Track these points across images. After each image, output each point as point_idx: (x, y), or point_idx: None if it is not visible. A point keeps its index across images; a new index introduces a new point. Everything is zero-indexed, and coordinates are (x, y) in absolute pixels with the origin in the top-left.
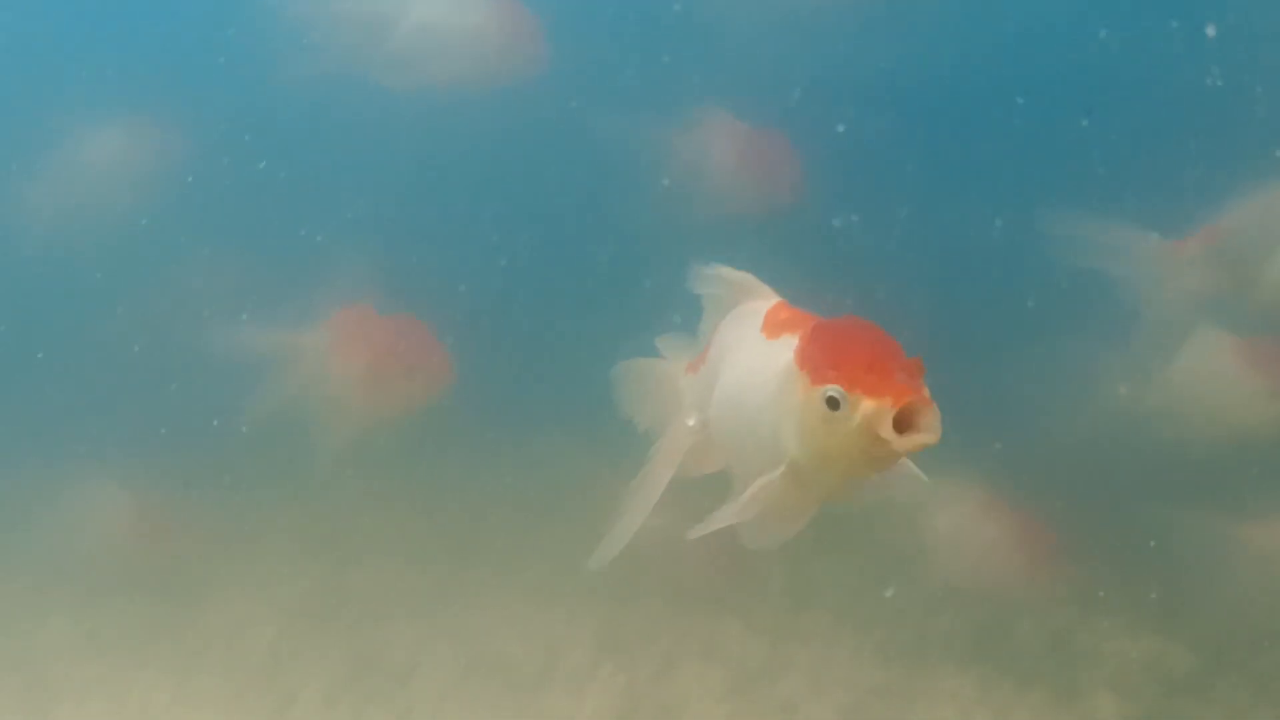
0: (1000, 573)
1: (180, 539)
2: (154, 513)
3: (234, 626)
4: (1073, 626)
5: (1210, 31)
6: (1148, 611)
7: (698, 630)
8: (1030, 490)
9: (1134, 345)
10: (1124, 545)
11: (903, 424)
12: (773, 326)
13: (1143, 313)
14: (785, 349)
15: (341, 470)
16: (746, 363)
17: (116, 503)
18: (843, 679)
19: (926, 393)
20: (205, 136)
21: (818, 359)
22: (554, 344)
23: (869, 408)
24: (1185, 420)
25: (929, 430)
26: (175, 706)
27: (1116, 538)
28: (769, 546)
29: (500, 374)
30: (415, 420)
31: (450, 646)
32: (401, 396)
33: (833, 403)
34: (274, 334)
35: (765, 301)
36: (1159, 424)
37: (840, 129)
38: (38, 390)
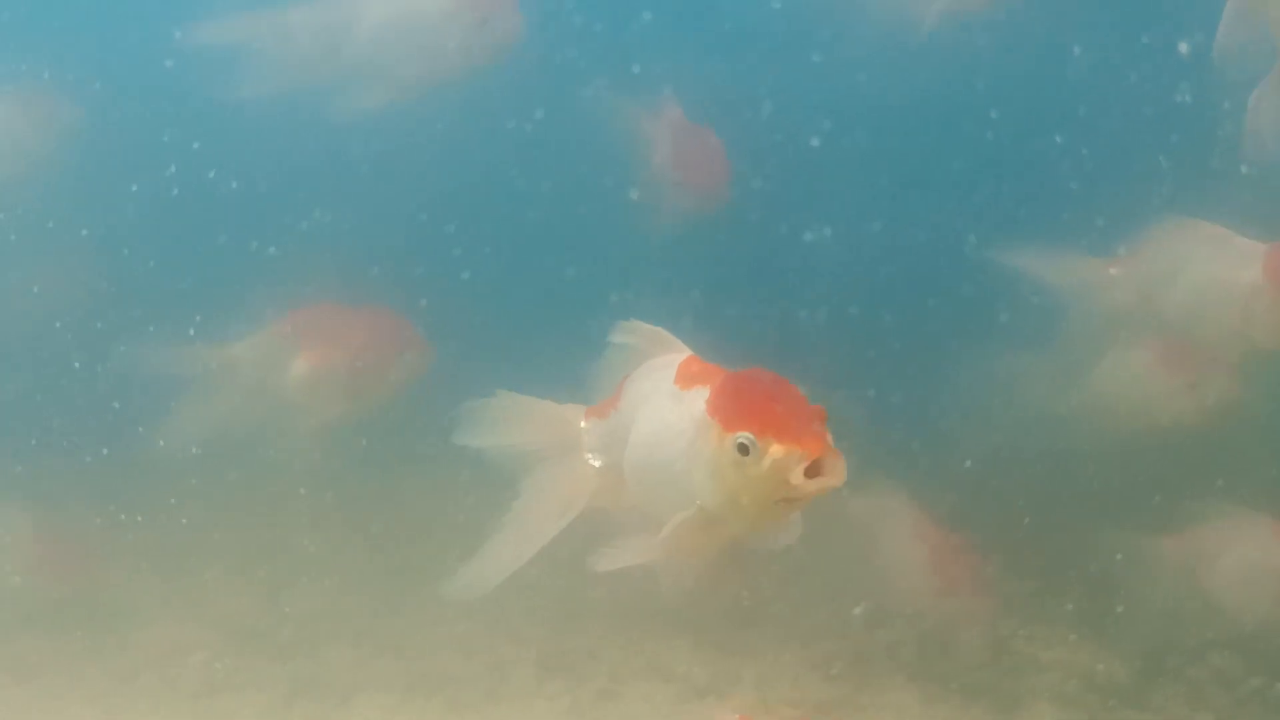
0: (939, 587)
1: (104, 563)
2: (75, 537)
3: (165, 651)
4: (1013, 637)
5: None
6: (1084, 622)
7: (643, 648)
8: (965, 504)
9: (1060, 352)
10: (1058, 556)
11: (808, 470)
12: (685, 379)
13: (1070, 322)
14: (698, 399)
15: (276, 487)
16: (661, 412)
17: (35, 527)
18: (789, 695)
19: (830, 440)
20: (158, 143)
21: (729, 408)
22: (502, 350)
23: (778, 453)
24: (1109, 418)
25: (833, 474)
26: None
27: (1051, 549)
28: (678, 585)
29: (440, 384)
30: (354, 434)
31: (391, 666)
32: (376, 387)
33: (743, 449)
34: (206, 348)
35: (677, 355)
36: (1085, 425)
37: (783, 135)
38: None
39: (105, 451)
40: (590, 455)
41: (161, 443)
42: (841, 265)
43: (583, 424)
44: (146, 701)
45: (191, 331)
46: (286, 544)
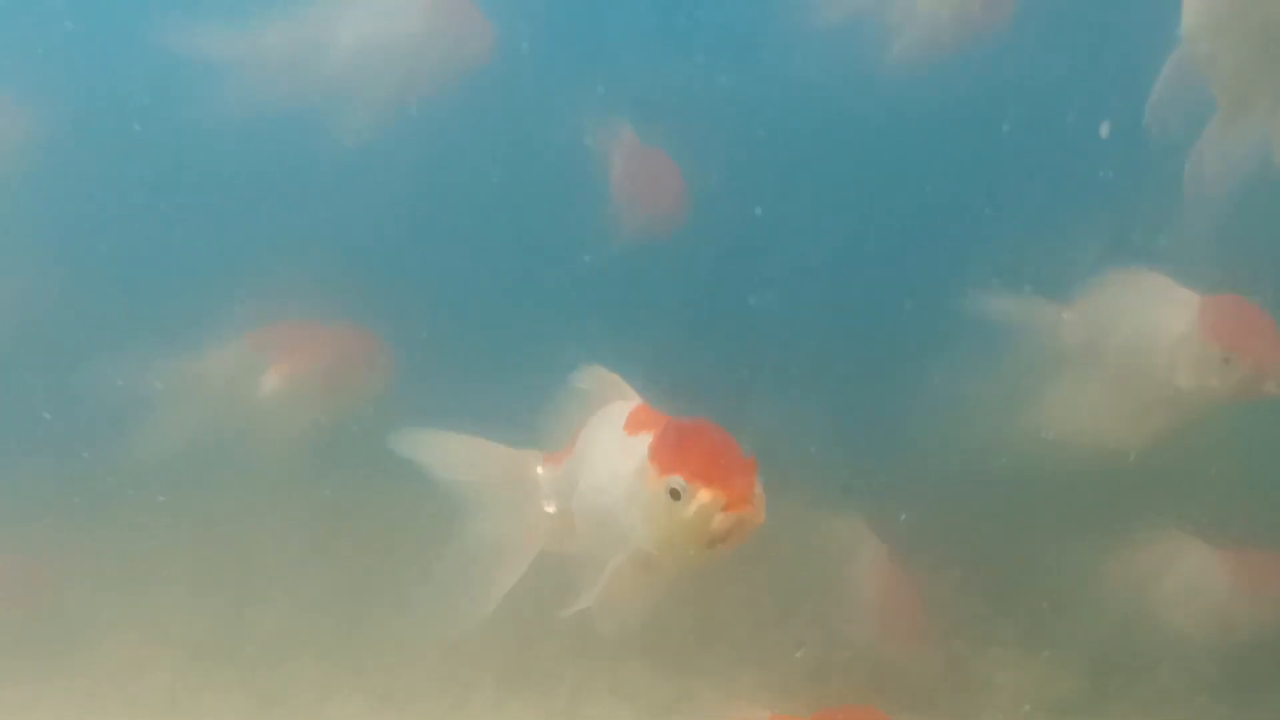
0: (890, 618)
1: (68, 580)
2: (38, 554)
3: (128, 669)
4: (967, 656)
5: (1104, 131)
6: (1037, 640)
7: (603, 668)
8: (921, 527)
9: (1013, 380)
10: (1010, 578)
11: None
12: (633, 425)
13: (1022, 357)
14: (642, 445)
15: (240, 503)
16: (609, 456)
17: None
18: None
19: (757, 487)
20: (133, 156)
21: (665, 455)
22: (468, 364)
23: (705, 497)
24: (1062, 443)
25: (756, 518)
26: None
27: (1004, 570)
28: (621, 625)
29: (406, 402)
30: (319, 451)
31: (354, 684)
32: (343, 396)
33: (675, 493)
34: (177, 361)
35: (629, 403)
36: (1039, 450)
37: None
38: None
39: (69, 465)
40: (545, 501)
41: (131, 456)
42: (801, 291)
43: (539, 469)
44: (121, 712)
45: (161, 345)
46: (250, 560)
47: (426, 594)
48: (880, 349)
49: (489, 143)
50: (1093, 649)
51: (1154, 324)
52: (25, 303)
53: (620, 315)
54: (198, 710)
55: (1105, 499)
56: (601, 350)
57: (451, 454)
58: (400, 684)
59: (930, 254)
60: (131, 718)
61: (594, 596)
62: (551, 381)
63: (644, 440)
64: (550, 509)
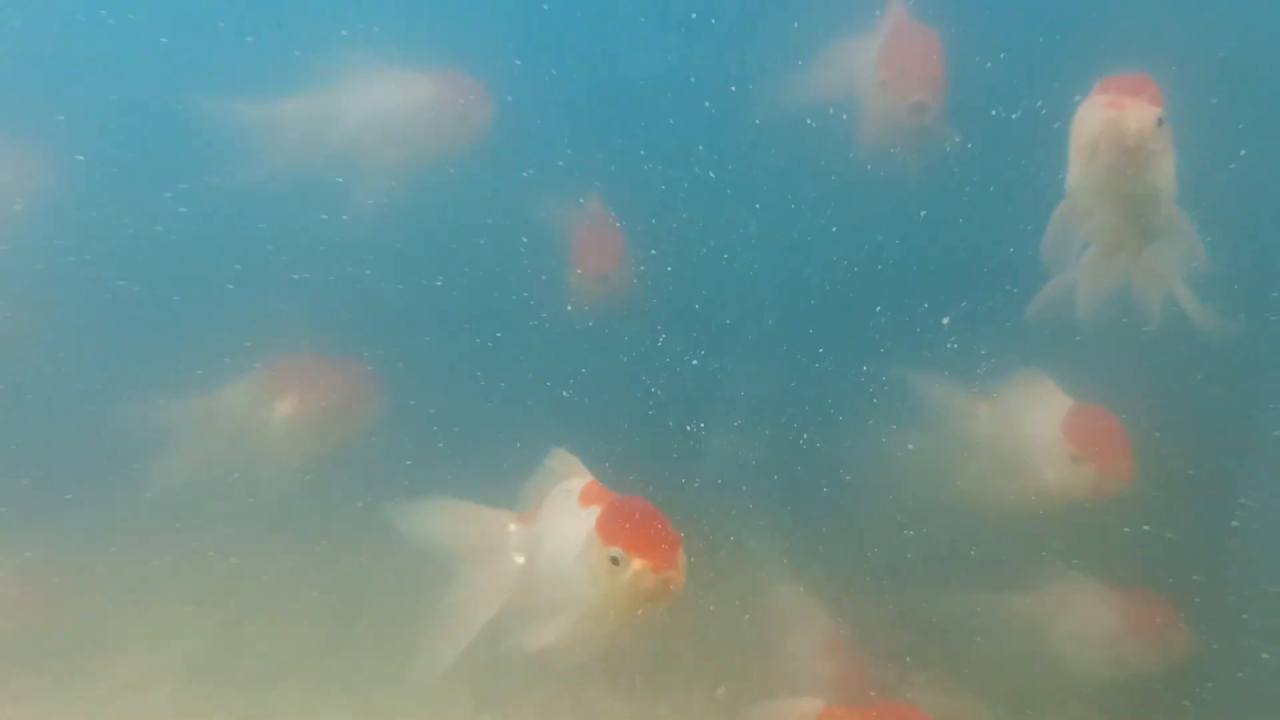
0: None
1: (78, 599)
2: (52, 575)
3: (133, 682)
4: (894, 685)
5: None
6: (953, 675)
7: (566, 689)
8: (856, 571)
9: (939, 450)
10: (931, 614)
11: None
12: (586, 499)
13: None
14: (591, 517)
15: (239, 529)
16: (564, 525)
17: (14, 565)
18: None
19: (680, 558)
20: (155, 206)
21: (608, 528)
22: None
23: (638, 565)
24: (994, 486)
25: (679, 581)
26: None
27: (924, 609)
28: (578, 660)
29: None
30: (315, 484)
31: (342, 699)
32: (345, 424)
33: (615, 560)
34: (194, 395)
35: (582, 480)
36: (961, 505)
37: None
38: None
39: (82, 492)
40: (515, 553)
41: (142, 481)
42: (746, 360)
43: (511, 528)
44: None
45: (179, 378)
46: (246, 582)
47: (411, 626)
48: (824, 412)
49: (481, 211)
50: (1006, 682)
51: (1036, 425)
52: (55, 338)
53: (584, 383)
54: (144, 710)
55: (1016, 548)
56: (563, 426)
57: (440, 514)
58: (383, 700)
59: (876, 328)
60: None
61: (553, 637)
62: (523, 454)
63: (593, 513)
64: (519, 559)
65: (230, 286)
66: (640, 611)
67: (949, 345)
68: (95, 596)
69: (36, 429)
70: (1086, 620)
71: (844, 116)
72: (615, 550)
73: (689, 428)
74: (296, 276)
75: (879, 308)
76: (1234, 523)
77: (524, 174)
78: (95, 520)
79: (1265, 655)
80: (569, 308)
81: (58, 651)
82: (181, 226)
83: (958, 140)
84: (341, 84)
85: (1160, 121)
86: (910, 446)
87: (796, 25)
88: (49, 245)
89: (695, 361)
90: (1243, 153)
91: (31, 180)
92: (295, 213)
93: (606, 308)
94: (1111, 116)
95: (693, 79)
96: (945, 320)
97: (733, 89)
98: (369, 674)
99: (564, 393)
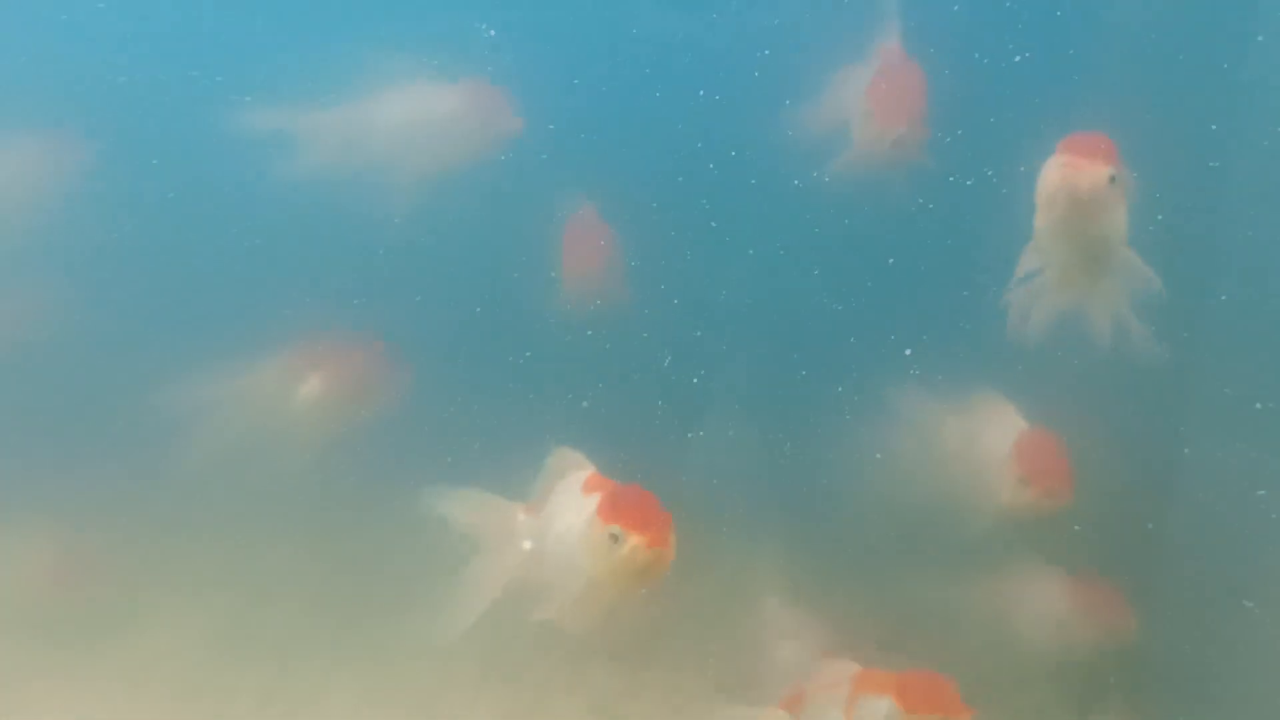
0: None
1: (105, 575)
2: (81, 551)
3: (155, 656)
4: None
5: None
6: (932, 656)
7: (565, 661)
8: (828, 560)
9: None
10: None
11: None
12: (588, 488)
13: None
14: (592, 503)
15: (258, 507)
16: (570, 511)
17: (47, 542)
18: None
19: (671, 536)
20: (201, 201)
21: (607, 510)
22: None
23: (633, 540)
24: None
25: (669, 555)
26: None
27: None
28: (578, 632)
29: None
30: (338, 466)
31: (355, 672)
32: (368, 402)
33: (613, 538)
34: (229, 374)
35: (585, 471)
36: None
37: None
38: None
39: (116, 472)
40: (524, 540)
41: (167, 461)
42: (737, 367)
43: (521, 517)
44: (142, 700)
45: (210, 360)
46: (265, 560)
47: (425, 605)
48: (806, 417)
49: (499, 212)
50: (969, 668)
51: (991, 445)
52: (91, 321)
53: (586, 379)
54: (217, 692)
55: (982, 540)
56: (567, 423)
57: (462, 502)
58: (395, 673)
59: (857, 341)
60: (152, 700)
61: (557, 611)
62: (531, 449)
63: (594, 499)
64: (527, 545)
65: (264, 274)
66: (637, 583)
67: (917, 366)
68: (123, 573)
69: (74, 411)
70: (1042, 605)
71: (834, 138)
72: (614, 528)
73: (686, 432)
74: (327, 268)
75: (858, 323)
76: (1153, 524)
77: (531, 180)
78: (126, 500)
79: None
80: (564, 309)
81: (89, 626)
82: (226, 217)
83: (933, 168)
84: (379, 94)
85: (1112, 179)
86: (878, 455)
87: (800, 50)
88: (97, 229)
89: (695, 380)
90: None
91: (74, 169)
92: (330, 209)
93: (605, 312)
94: (1068, 175)
95: (701, 92)
96: (908, 352)
97: (719, 100)
98: (380, 649)
99: (571, 395)
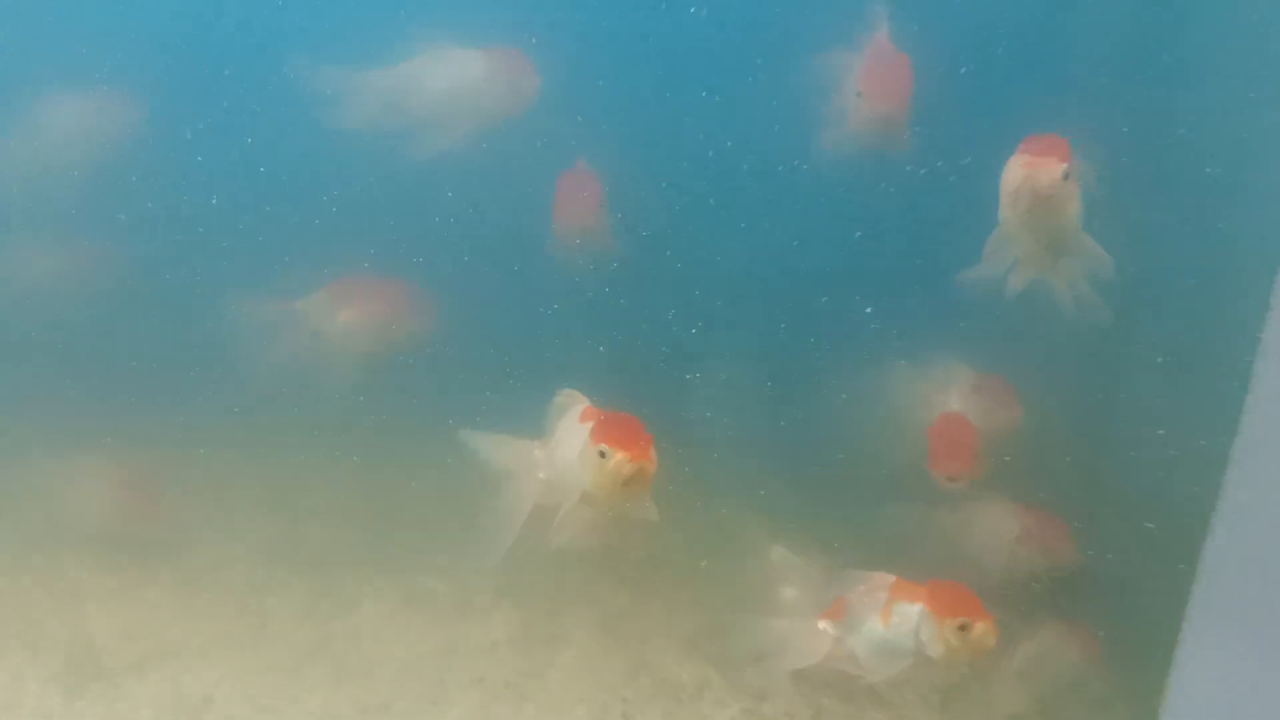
0: None
1: (167, 497)
2: (147, 476)
3: (213, 564)
4: None
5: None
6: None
7: (574, 582)
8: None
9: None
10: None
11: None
12: (584, 418)
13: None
14: (586, 429)
15: (303, 434)
16: (568, 436)
17: (117, 470)
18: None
19: (652, 453)
20: (257, 148)
21: (598, 432)
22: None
23: (619, 455)
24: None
25: (651, 467)
26: (177, 621)
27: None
28: (574, 544)
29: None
30: (370, 389)
31: (387, 584)
32: (391, 341)
33: (602, 454)
34: (276, 303)
35: (582, 404)
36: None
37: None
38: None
39: (176, 391)
40: (540, 471)
41: (224, 386)
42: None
43: (535, 451)
44: (205, 596)
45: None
46: (306, 483)
47: (458, 529)
48: (787, 365)
49: (517, 169)
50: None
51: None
52: (151, 259)
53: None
54: (269, 594)
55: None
56: (569, 367)
57: (488, 443)
58: (422, 586)
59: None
60: (211, 602)
61: (560, 522)
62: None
63: (588, 426)
64: (542, 475)
65: (315, 221)
66: (625, 493)
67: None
68: (183, 495)
69: (136, 346)
70: (994, 530)
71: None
72: (602, 446)
73: (684, 374)
74: (368, 215)
75: (835, 286)
76: (1086, 463)
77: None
78: (184, 427)
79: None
80: (558, 258)
81: (151, 541)
82: (272, 166)
83: (913, 147)
84: (415, 58)
85: (1066, 175)
86: (844, 397)
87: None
88: (162, 175)
89: (694, 330)
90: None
91: (129, 124)
92: (369, 163)
93: (600, 264)
94: (1028, 173)
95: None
96: (868, 309)
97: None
98: (411, 563)
99: (580, 342)
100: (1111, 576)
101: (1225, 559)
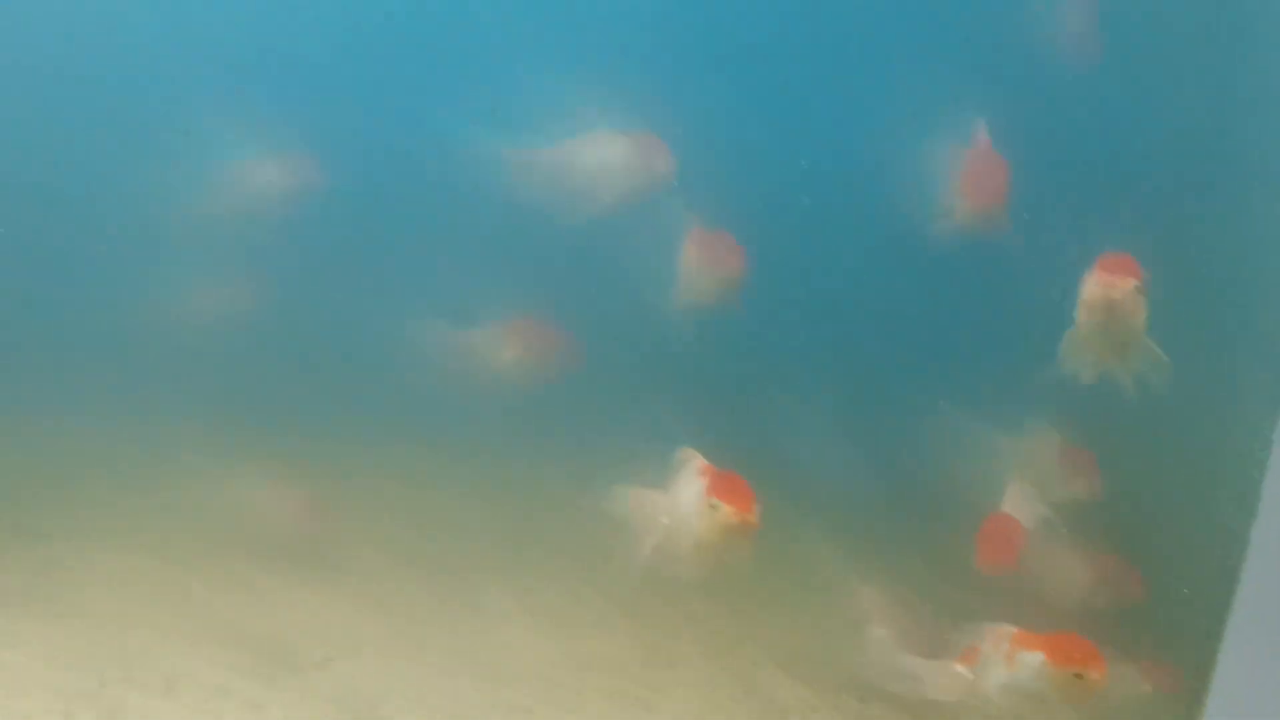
0: None
1: (331, 514)
2: (312, 492)
3: (368, 576)
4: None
5: None
6: None
7: (692, 611)
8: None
9: None
10: None
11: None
12: (700, 473)
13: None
14: (701, 483)
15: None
16: (687, 489)
17: (285, 482)
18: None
19: (756, 508)
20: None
21: (710, 487)
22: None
23: (727, 509)
24: None
25: (753, 522)
26: (350, 625)
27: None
28: (691, 578)
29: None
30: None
31: (530, 602)
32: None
33: (713, 506)
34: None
35: (700, 461)
36: None
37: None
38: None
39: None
40: (663, 516)
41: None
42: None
43: (659, 500)
44: (373, 604)
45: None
46: (461, 504)
47: (592, 559)
48: (882, 420)
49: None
50: None
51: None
52: (333, 298)
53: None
54: (423, 607)
55: None
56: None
57: (622, 492)
58: (559, 608)
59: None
60: (378, 609)
61: (678, 562)
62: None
63: (703, 481)
64: (664, 520)
65: (486, 268)
66: (731, 541)
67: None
68: (347, 506)
69: (309, 375)
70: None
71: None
72: (713, 500)
73: (789, 427)
74: (532, 267)
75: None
76: None
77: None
78: (358, 450)
79: None
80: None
81: (319, 548)
82: (449, 224)
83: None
84: (575, 140)
85: (1138, 290)
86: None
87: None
88: (338, 226)
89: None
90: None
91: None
92: (534, 222)
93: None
94: (1104, 290)
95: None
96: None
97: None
98: (550, 585)
99: (701, 393)
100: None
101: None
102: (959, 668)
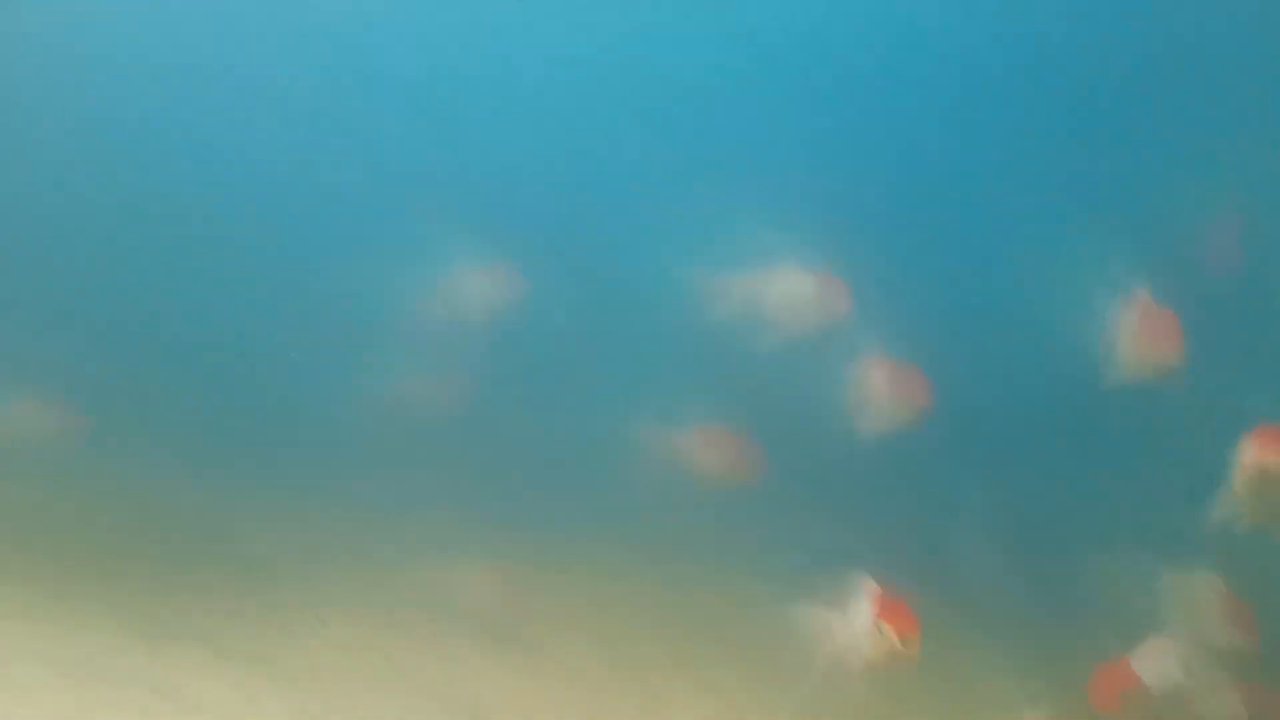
0: None
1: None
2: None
3: (560, 653)
4: None
5: None
6: None
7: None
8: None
9: None
10: None
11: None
12: (870, 598)
13: None
14: (872, 607)
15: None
16: (858, 613)
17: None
18: None
19: (916, 632)
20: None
21: (880, 613)
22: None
23: (891, 632)
24: None
25: (916, 644)
26: (538, 691)
27: None
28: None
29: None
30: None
31: (702, 699)
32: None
33: (882, 628)
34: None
35: (871, 583)
36: None
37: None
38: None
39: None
40: (837, 635)
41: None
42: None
43: (835, 620)
44: (556, 674)
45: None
46: (640, 591)
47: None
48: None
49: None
50: None
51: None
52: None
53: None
54: (594, 679)
55: None
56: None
57: (805, 613)
58: (737, 705)
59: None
60: (561, 679)
61: (852, 675)
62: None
63: (873, 605)
64: (839, 639)
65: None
66: (896, 658)
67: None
68: (546, 592)
69: (509, 476)
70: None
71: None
72: (881, 624)
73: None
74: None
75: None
76: None
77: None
78: (557, 531)
79: None
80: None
81: (519, 628)
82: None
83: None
84: (765, 273)
85: None
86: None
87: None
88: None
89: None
90: None
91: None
92: (724, 346)
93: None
94: (1260, 458)
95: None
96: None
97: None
98: (720, 675)
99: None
100: None
101: None
102: None
